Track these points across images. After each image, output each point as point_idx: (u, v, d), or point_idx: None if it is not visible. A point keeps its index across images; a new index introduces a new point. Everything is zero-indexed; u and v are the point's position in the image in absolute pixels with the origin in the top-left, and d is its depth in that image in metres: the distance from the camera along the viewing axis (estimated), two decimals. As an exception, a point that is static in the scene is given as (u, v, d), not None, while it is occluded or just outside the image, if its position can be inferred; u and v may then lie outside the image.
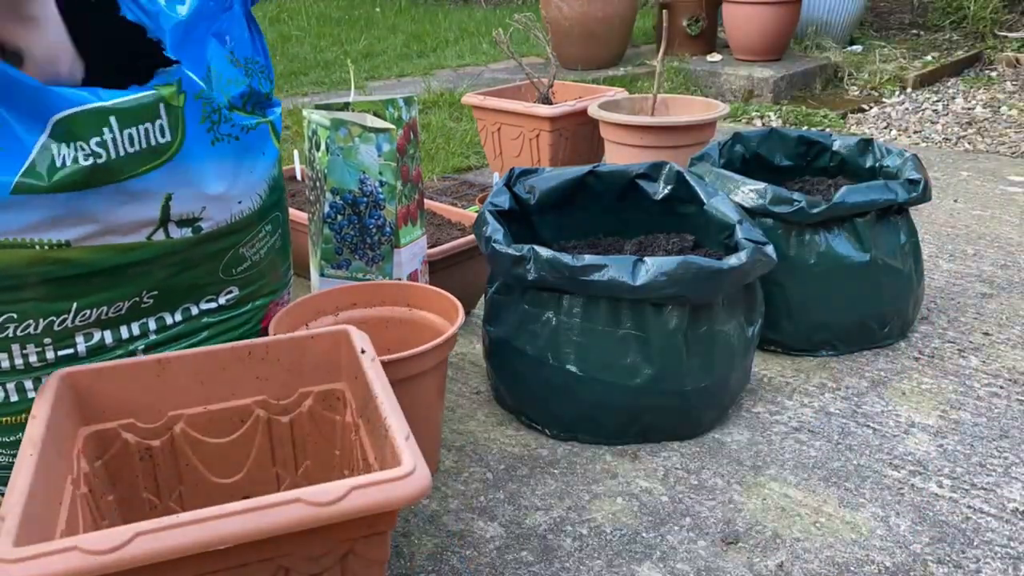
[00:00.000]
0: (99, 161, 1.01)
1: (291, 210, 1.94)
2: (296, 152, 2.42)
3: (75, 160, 1.00)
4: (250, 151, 1.18)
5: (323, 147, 1.40)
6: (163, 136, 1.06)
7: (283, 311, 1.30)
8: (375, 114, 1.46)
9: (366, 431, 1.02)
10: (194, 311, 1.19)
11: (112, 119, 1.01)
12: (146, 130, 1.04)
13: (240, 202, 1.17)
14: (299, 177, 2.34)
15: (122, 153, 1.02)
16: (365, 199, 1.42)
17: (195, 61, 1.12)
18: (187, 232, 1.12)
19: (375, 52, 4.89)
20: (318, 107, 1.47)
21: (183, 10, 1.11)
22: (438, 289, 1.37)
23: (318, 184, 1.45)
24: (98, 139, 1.00)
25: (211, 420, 1.09)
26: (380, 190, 1.42)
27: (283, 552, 0.82)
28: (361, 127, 1.39)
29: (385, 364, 1.10)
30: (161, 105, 1.05)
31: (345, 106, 1.47)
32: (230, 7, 1.17)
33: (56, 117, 0.98)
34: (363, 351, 1.06)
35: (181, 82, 1.08)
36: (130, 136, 1.03)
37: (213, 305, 1.20)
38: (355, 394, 1.09)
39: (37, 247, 1.01)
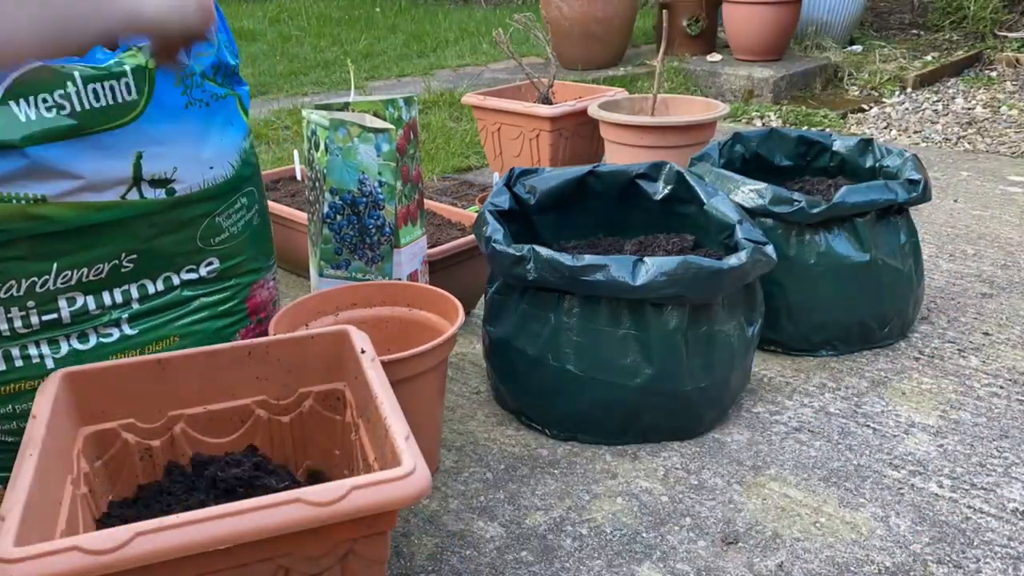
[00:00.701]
0: (63, 112, 1.04)
1: (291, 210, 1.95)
2: (296, 152, 2.42)
3: (39, 115, 1.03)
4: (219, 118, 1.22)
5: (322, 147, 1.40)
6: (129, 94, 1.09)
7: (283, 311, 1.31)
8: (375, 114, 1.45)
9: (366, 431, 1.03)
10: (176, 281, 1.20)
11: (76, 74, 1.05)
12: (111, 87, 1.07)
13: (212, 167, 1.20)
14: (299, 177, 2.34)
15: (87, 107, 1.06)
16: (364, 199, 1.42)
17: None
18: (160, 193, 1.14)
19: (375, 52, 4.89)
20: (318, 107, 1.47)
21: None
22: (438, 289, 1.37)
23: (317, 184, 1.45)
24: (61, 91, 1.04)
25: (211, 420, 1.10)
26: (379, 190, 1.42)
27: (283, 552, 0.83)
28: (360, 127, 1.39)
29: (385, 364, 1.10)
30: (127, 67, 1.09)
31: (345, 106, 1.47)
32: None
33: (17, 73, 1.01)
34: (363, 351, 1.07)
35: (150, 47, 1.11)
36: (95, 91, 1.06)
37: (194, 276, 1.22)
38: (355, 394, 1.09)
39: (14, 201, 1.03)
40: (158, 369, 1.06)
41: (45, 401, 0.96)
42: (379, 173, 1.41)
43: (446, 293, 1.35)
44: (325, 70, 4.43)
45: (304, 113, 1.45)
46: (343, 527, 0.84)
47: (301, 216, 1.89)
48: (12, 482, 0.83)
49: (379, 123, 1.42)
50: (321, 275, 1.49)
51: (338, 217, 1.44)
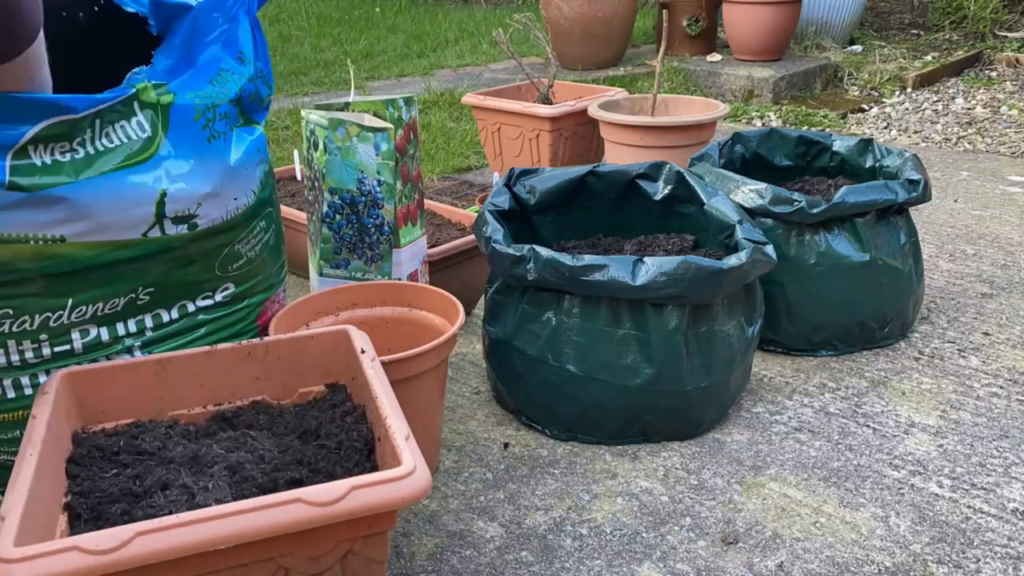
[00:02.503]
0: (77, 156, 1.03)
1: (291, 210, 1.95)
2: (296, 152, 2.42)
3: (55, 160, 1.01)
4: (246, 149, 1.19)
5: (321, 147, 1.40)
6: (142, 131, 1.07)
7: (283, 311, 1.30)
8: (375, 114, 1.45)
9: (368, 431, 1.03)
10: (190, 308, 1.19)
11: (96, 121, 1.04)
12: (122, 127, 1.06)
13: (236, 199, 1.18)
14: (299, 177, 2.34)
15: (101, 148, 1.04)
16: (364, 199, 1.42)
17: (197, 65, 1.14)
18: (183, 229, 1.12)
19: (375, 52, 4.89)
20: (318, 107, 1.47)
21: (184, 16, 1.13)
22: (438, 289, 1.37)
23: (316, 184, 1.45)
24: (79, 139, 1.03)
25: (211, 420, 1.09)
26: (379, 189, 1.42)
27: (283, 552, 0.83)
28: (359, 126, 1.39)
29: (385, 364, 1.10)
30: (135, 103, 1.07)
31: (345, 106, 1.47)
32: (234, 17, 1.18)
33: (34, 129, 0.99)
34: (363, 351, 1.06)
35: (168, 84, 1.09)
36: (107, 134, 1.05)
37: (209, 302, 1.21)
38: (356, 394, 1.09)
39: (32, 242, 1.02)
40: (158, 369, 1.06)
41: (45, 401, 0.95)
42: (378, 172, 1.41)
43: (446, 293, 1.35)
44: (325, 70, 4.43)
45: (303, 113, 1.45)
46: (343, 527, 0.83)
47: (301, 216, 1.89)
48: (12, 482, 0.83)
49: (377, 122, 1.42)
50: (321, 274, 1.49)
51: (337, 217, 1.44)
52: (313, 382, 1.13)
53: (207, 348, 1.09)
